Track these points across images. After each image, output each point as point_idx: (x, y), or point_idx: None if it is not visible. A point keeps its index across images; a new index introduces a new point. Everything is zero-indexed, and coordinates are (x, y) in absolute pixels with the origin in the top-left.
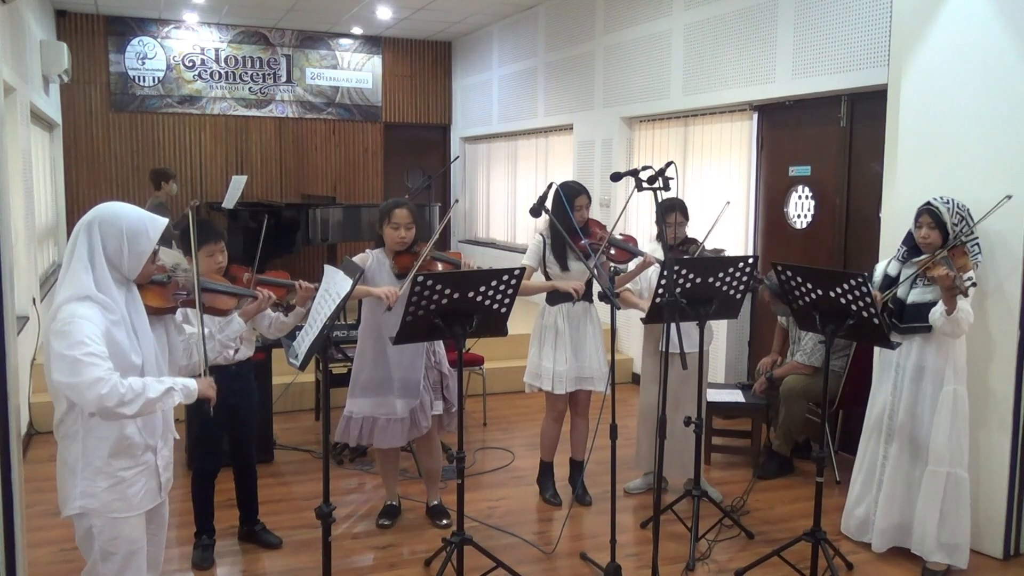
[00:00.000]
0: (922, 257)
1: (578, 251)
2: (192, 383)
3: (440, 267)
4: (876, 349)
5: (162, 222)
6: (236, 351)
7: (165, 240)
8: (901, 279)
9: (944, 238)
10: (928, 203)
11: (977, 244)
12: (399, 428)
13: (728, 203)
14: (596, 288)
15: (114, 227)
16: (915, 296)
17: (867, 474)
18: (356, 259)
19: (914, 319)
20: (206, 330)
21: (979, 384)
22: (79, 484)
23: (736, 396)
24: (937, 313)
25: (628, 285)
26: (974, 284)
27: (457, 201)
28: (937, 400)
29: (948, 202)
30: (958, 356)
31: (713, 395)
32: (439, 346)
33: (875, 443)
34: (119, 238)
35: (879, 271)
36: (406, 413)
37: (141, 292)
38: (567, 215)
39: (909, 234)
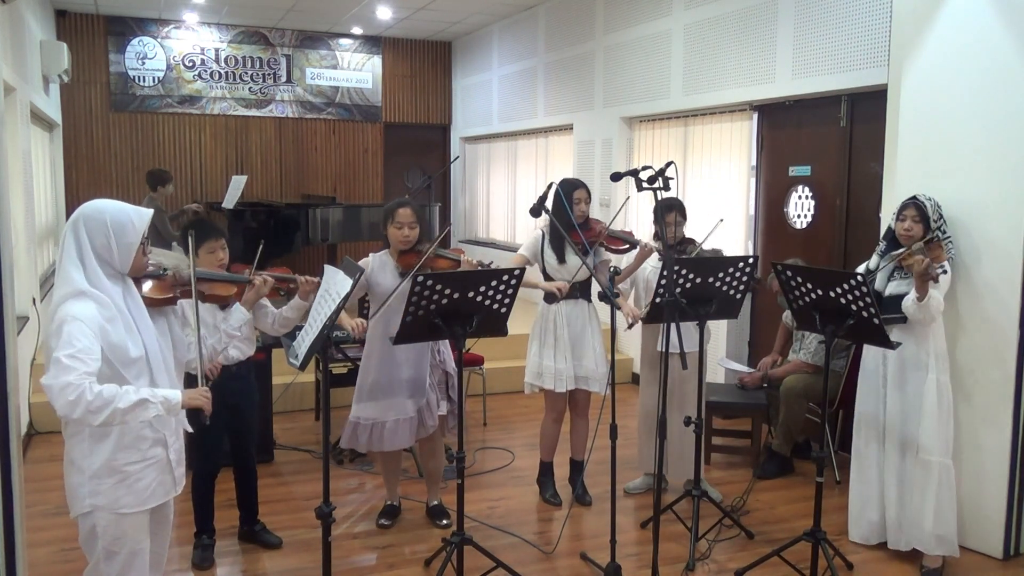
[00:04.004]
0: (900, 250)
1: (574, 246)
2: (174, 395)
3: (446, 263)
4: (864, 348)
5: (147, 213)
6: (237, 349)
7: (166, 243)
8: (881, 275)
9: (925, 232)
10: (914, 197)
11: (951, 241)
12: (406, 429)
13: (721, 220)
14: (595, 288)
15: (98, 222)
16: (893, 288)
17: (868, 474)
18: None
19: (891, 311)
20: (210, 320)
21: (979, 384)
22: (87, 483)
23: (732, 392)
24: (909, 300)
25: (623, 285)
26: (945, 271)
27: (450, 226)
28: (921, 390)
29: (930, 199)
30: (938, 344)
31: (711, 394)
32: (444, 345)
33: (868, 441)
34: (104, 232)
35: (860, 269)
36: (414, 412)
37: (139, 285)
38: (566, 210)
39: (889, 229)
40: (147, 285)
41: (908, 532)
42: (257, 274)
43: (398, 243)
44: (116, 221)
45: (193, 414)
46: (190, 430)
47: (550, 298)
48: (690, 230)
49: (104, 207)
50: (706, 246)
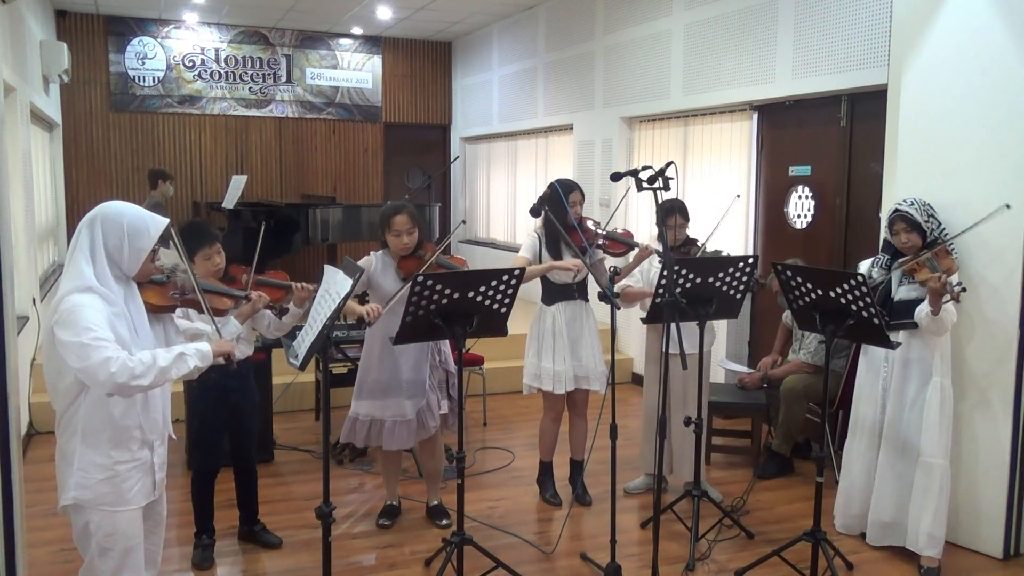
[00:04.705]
0: (906, 258)
1: (574, 246)
2: (205, 346)
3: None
4: (863, 347)
5: (162, 222)
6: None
7: (163, 240)
8: (893, 279)
9: (923, 237)
10: (897, 209)
11: (946, 233)
12: (406, 430)
13: (738, 196)
14: (594, 288)
15: (116, 223)
16: (902, 294)
17: (858, 471)
18: (359, 262)
19: (901, 316)
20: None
21: (979, 384)
22: (74, 475)
23: (732, 392)
24: (923, 313)
25: (628, 281)
26: (964, 289)
27: (464, 222)
28: (924, 392)
29: (913, 203)
30: (944, 348)
31: (711, 395)
32: (444, 345)
33: (863, 439)
34: (120, 234)
35: (862, 267)
36: (413, 414)
37: (140, 290)
38: (564, 211)
39: (887, 242)
40: (148, 291)
41: (895, 531)
42: (254, 292)
43: (397, 250)
44: (133, 226)
45: (220, 369)
46: (174, 438)
47: (549, 299)
48: (692, 229)
49: (124, 210)
50: (719, 232)
